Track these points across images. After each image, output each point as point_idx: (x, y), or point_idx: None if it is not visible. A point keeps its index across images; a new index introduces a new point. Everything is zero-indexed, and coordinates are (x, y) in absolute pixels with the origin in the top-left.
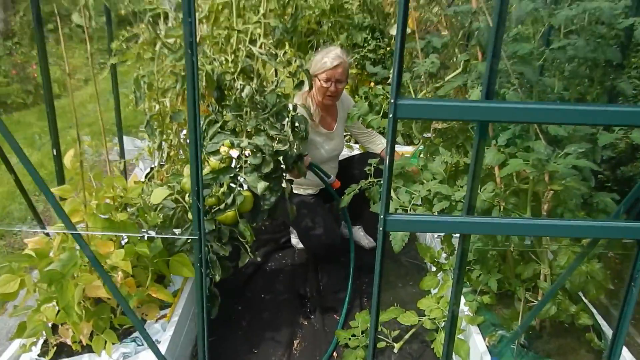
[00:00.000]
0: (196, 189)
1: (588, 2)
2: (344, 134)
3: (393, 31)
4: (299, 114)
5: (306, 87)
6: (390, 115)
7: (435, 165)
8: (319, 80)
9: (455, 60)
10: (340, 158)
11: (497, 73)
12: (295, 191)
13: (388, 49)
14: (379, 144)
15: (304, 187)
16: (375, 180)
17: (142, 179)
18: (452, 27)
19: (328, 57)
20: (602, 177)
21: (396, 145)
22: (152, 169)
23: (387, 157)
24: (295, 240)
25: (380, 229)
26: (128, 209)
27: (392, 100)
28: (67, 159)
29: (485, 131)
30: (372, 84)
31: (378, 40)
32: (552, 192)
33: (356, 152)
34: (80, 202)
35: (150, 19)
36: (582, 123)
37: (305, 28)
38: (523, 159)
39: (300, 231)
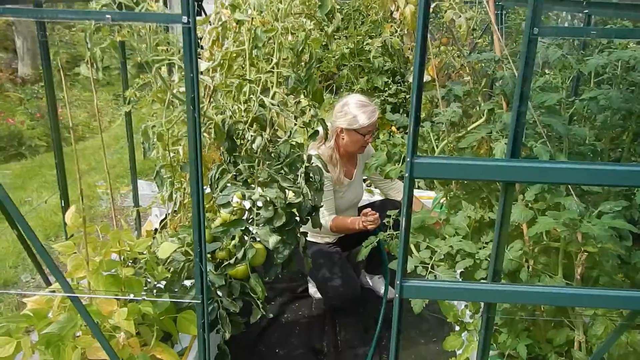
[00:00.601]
0: (199, 250)
1: (621, 51)
2: (363, 177)
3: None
4: (313, 164)
5: (321, 136)
6: (406, 174)
7: (459, 220)
8: (356, 134)
9: (478, 108)
10: (360, 204)
11: (524, 125)
12: (312, 239)
13: (409, 95)
14: (400, 191)
15: (321, 235)
16: (395, 232)
17: (157, 226)
18: (474, 75)
19: (366, 113)
20: None
21: (417, 191)
22: (167, 215)
23: (404, 219)
24: (313, 290)
25: (397, 295)
26: (135, 263)
27: (409, 159)
28: (68, 216)
29: (511, 192)
30: (393, 128)
31: (399, 85)
32: (586, 253)
33: (377, 197)
34: (83, 258)
35: (159, 69)
36: (618, 185)
37: (325, 72)
38: (553, 217)
39: (317, 282)
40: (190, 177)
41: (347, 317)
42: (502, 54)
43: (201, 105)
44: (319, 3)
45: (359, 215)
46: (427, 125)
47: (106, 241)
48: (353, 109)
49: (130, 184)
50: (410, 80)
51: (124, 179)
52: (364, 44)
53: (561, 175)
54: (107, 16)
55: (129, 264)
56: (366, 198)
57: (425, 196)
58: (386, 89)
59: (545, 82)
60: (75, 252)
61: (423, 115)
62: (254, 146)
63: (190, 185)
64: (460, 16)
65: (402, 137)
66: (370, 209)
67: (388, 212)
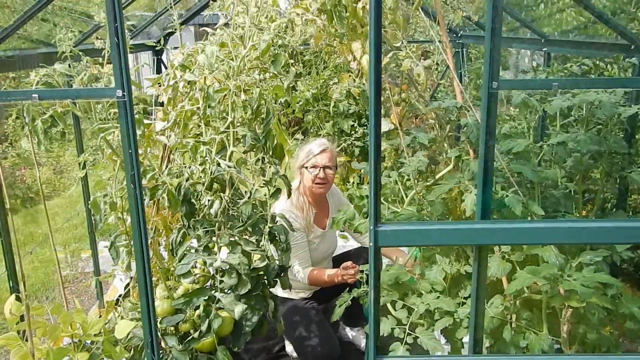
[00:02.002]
0: (150, 340)
1: (584, 94)
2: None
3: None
4: (278, 223)
5: (284, 196)
6: (371, 243)
7: (434, 275)
8: (307, 170)
9: (445, 155)
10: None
11: (491, 183)
12: (285, 295)
13: None
14: None
15: (295, 290)
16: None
17: (122, 290)
18: (438, 120)
19: (313, 145)
20: (625, 270)
21: None
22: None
23: (372, 292)
24: (290, 348)
25: None
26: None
27: (371, 227)
28: (7, 307)
29: (485, 254)
30: (362, 171)
31: (365, 127)
32: (570, 309)
33: (351, 242)
34: (28, 352)
35: (106, 138)
36: (601, 242)
37: (291, 118)
38: (532, 272)
39: (294, 342)
40: (137, 271)
41: None
42: (464, 100)
43: (156, 169)
44: (272, 59)
45: (334, 264)
46: (393, 175)
47: (56, 325)
48: (306, 146)
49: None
50: None
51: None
52: (327, 88)
53: (539, 236)
54: (34, 95)
55: (86, 343)
56: (340, 244)
57: None
58: (352, 132)
59: (511, 128)
60: (19, 344)
61: (389, 164)
62: (212, 211)
63: (138, 280)
64: (417, 65)
65: (367, 188)
66: (350, 262)
67: (361, 267)
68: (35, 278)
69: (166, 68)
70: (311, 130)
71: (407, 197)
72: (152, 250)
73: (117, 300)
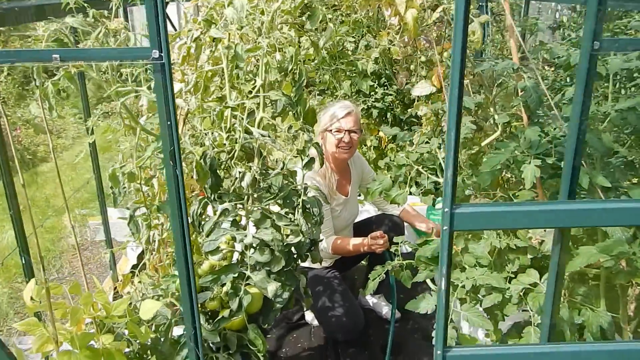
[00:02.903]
0: (192, 332)
1: None
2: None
3: (416, 92)
4: (311, 196)
5: (317, 166)
6: (445, 227)
7: (481, 249)
8: (330, 134)
9: (492, 121)
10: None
11: (580, 160)
12: (307, 264)
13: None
14: (396, 207)
15: None
16: (405, 261)
17: (134, 260)
18: (485, 83)
19: (336, 108)
20: None
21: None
22: (143, 250)
23: (443, 281)
24: (310, 317)
25: None
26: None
27: (447, 209)
28: (27, 294)
29: (568, 238)
30: (381, 134)
31: (385, 88)
32: (638, 287)
33: (367, 206)
34: (50, 337)
35: (124, 103)
36: None
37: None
38: (601, 249)
39: (317, 312)
40: (176, 247)
41: (350, 347)
42: (522, 63)
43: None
44: (308, 13)
45: (354, 233)
46: (434, 141)
47: (77, 308)
48: (326, 110)
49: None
50: (415, 94)
51: (94, 205)
52: (343, 45)
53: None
54: (55, 56)
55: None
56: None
57: (417, 202)
58: (372, 93)
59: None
60: (40, 330)
61: (427, 129)
62: (243, 184)
63: (178, 267)
64: (472, 21)
65: (406, 156)
66: (380, 232)
67: (395, 239)
68: (41, 246)
69: (172, 24)
70: (327, 92)
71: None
72: (168, 221)
73: (132, 272)
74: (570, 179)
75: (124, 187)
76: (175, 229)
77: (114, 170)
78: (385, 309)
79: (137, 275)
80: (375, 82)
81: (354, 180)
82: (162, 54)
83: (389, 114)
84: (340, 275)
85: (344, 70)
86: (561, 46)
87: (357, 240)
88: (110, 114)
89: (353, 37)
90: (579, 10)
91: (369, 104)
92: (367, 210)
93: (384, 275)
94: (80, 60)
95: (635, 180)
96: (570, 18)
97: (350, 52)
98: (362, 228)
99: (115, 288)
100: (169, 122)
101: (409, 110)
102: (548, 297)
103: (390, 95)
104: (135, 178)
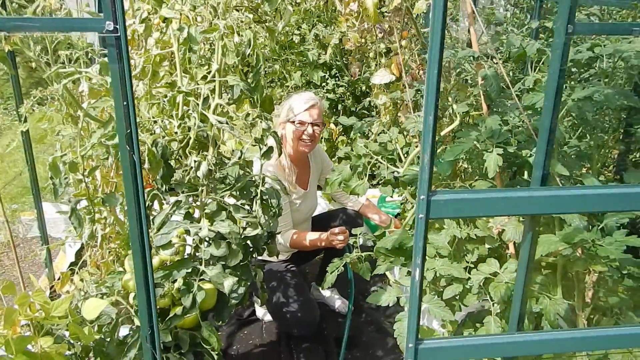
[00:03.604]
0: (149, 332)
1: (619, 44)
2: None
3: (376, 80)
4: (269, 187)
5: (276, 155)
6: (421, 215)
7: (442, 240)
8: (293, 126)
9: (451, 111)
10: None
11: (553, 145)
12: (262, 257)
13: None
14: (353, 199)
15: None
16: (363, 254)
17: (72, 257)
18: (443, 75)
19: (300, 99)
20: None
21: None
22: (82, 246)
23: (416, 270)
24: (261, 312)
25: None
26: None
27: (423, 196)
28: None
29: (537, 224)
30: (332, 126)
31: (337, 79)
32: (595, 274)
33: (320, 201)
34: None
35: (68, 85)
36: None
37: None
38: (562, 237)
39: (270, 308)
40: (133, 247)
41: (304, 342)
42: (482, 51)
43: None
44: None
45: (312, 227)
46: (393, 131)
47: (12, 309)
48: (289, 100)
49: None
50: (375, 82)
51: (25, 199)
52: (293, 35)
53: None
54: None
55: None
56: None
57: (369, 195)
58: (323, 84)
59: (536, 81)
60: None
61: (386, 119)
62: (199, 174)
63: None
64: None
65: (365, 146)
66: (341, 227)
67: (353, 231)
68: None
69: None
70: (277, 82)
71: (405, 156)
72: (112, 215)
73: (71, 269)
74: (542, 166)
75: (66, 178)
76: (132, 220)
77: (55, 159)
78: (338, 302)
79: (77, 273)
80: (326, 73)
81: (313, 173)
82: (118, 26)
83: (339, 106)
84: (297, 268)
85: (294, 60)
86: (516, 37)
87: (315, 235)
88: (46, 100)
89: (302, 27)
90: (522, 6)
91: (320, 96)
92: (320, 204)
93: (342, 268)
94: (24, 30)
95: (585, 170)
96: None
97: (299, 43)
98: (319, 221)
99: (52, 287)
100: (125, 103)
101: (363, 101)
102: (518, 286)
103: (342, 86)
104: (77, 168)
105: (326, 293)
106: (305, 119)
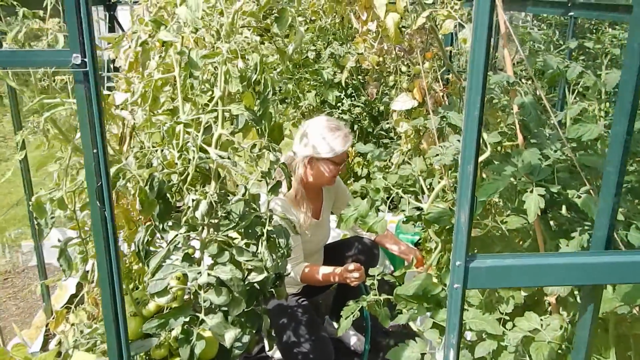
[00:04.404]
0: None
1: None
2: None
3: (397, 106)
4: (277, 225)
5: (284, 189)
6: (457, 286)
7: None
8: (325, 164)
9: (481, 142)
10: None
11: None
12: None
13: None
14: None
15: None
16: (381, 296)
17: (72, 289)
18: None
19: (338, 139)
20: None
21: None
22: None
23: (449, 346)
24: (270, 350)
25: None
26: None
27: (459, 262)
28: None
29: (600, 296)
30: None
31: (353, 99)
32: None
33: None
34: None
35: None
36: None
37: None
38: (626, 295)
39: (281, 347)
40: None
41: None
42: (518, 76)
43: (119, 152)
44: (275, 15)
45: (325, 256)
46: (415, 162)
47: None
48: (325, 133)
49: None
50: (395, 108)
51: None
52: (307, 53)
53: None
54: None
55: None
56: None
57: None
58: (338, 104)
59: (582, 110)
60: None
61: (407, 147)
62: (197, 214)
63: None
64: (464, 28)
65: (384, 177)
66: (356, 264)
67: (370, 271)
68: None
69: (121, 27)
70: (289, 102)
71: (428, 188)
72: None
73: (68, 304)
74: (609, 223)
75: (52, 217)
76: (104, 287)
77: (38, 200)
78: (354, 339)
79: (73, 312)
80: (342, 93)
81: (326, 201)
82: (86, 60)
83: (355, 127)
84: (309, 301)
85: (308, 79)
86: (555, 58)
87: (328, 270)
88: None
89: (317, 45)
90: (550, 22)
91: (336, 116)
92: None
93: (358, 313)
94: None
95: None
96: (542, 31)
97: (313, 61)
98: (332, 251)
99: (47, 325)
100: (95, 150)
101: (381, 123)
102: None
103: (358, 107)
104: (65, 206)
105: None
106: (343, 157)
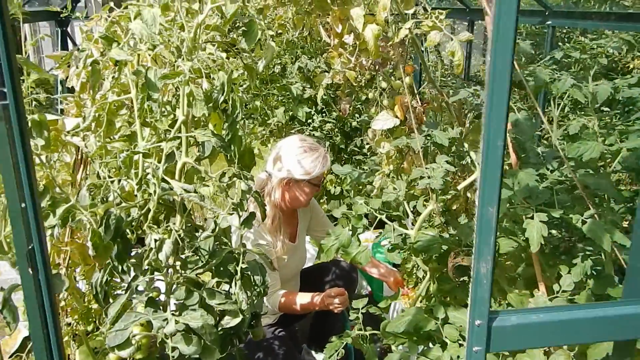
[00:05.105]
0: None
1: None
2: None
3: (377, 125)
4: (252, 261)
5: (258, 220)
6: (477, 349)
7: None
8: (303, 185)
9: (469, 160)
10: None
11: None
12: None
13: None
14: None
15: None
16: (367, 331)
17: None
18: (458, 116)
19: (316, 161)
20: None
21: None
22: None
23: None
24: None
25: None
26: None
27: (479, 322)
28: None
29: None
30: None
31: (323, 115)
32: None
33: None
34: None
35: None
36: None
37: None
38: None
39: None
40: None
41: None
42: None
43: (72, 181)
44: (243, 29)
45: (301, 282)
46: (400, 186)
47: None
48: (300, 156)
49: None
50: (375, 127)
51: None
52: (274, 68)
53: None
54: None
55: None
56: None
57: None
58: (309, 120)
59: (581, 127)
60: None
61: (388, 168)
62: (161, 256)
63: None
64: (451, 39)
65: (365, 203)
66: (338, 289)
67: (354, 304)
68: None
69: (73, 43)
70: (257, 118)
71: (412, 212)
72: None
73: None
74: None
75: None
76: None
77: None
78: None
79: None
80: (312, 109)
81: (301, 223)
82: (6, 90)
83: (327, 143)
84: (286, 330)
85: (276, 94)
86: (545, 70)
87: (307, 297)
88: None
89: (283, 59)
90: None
91: (307, 133)
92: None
93: (343, 351)
94: None
95: None
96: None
97: (280, 75)
98: (308, 276)
99: None
100: (23, 205)
101: (354, 139)
102: None
103: (330, 122)
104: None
105: (319, 357)
106: (320, 178)
